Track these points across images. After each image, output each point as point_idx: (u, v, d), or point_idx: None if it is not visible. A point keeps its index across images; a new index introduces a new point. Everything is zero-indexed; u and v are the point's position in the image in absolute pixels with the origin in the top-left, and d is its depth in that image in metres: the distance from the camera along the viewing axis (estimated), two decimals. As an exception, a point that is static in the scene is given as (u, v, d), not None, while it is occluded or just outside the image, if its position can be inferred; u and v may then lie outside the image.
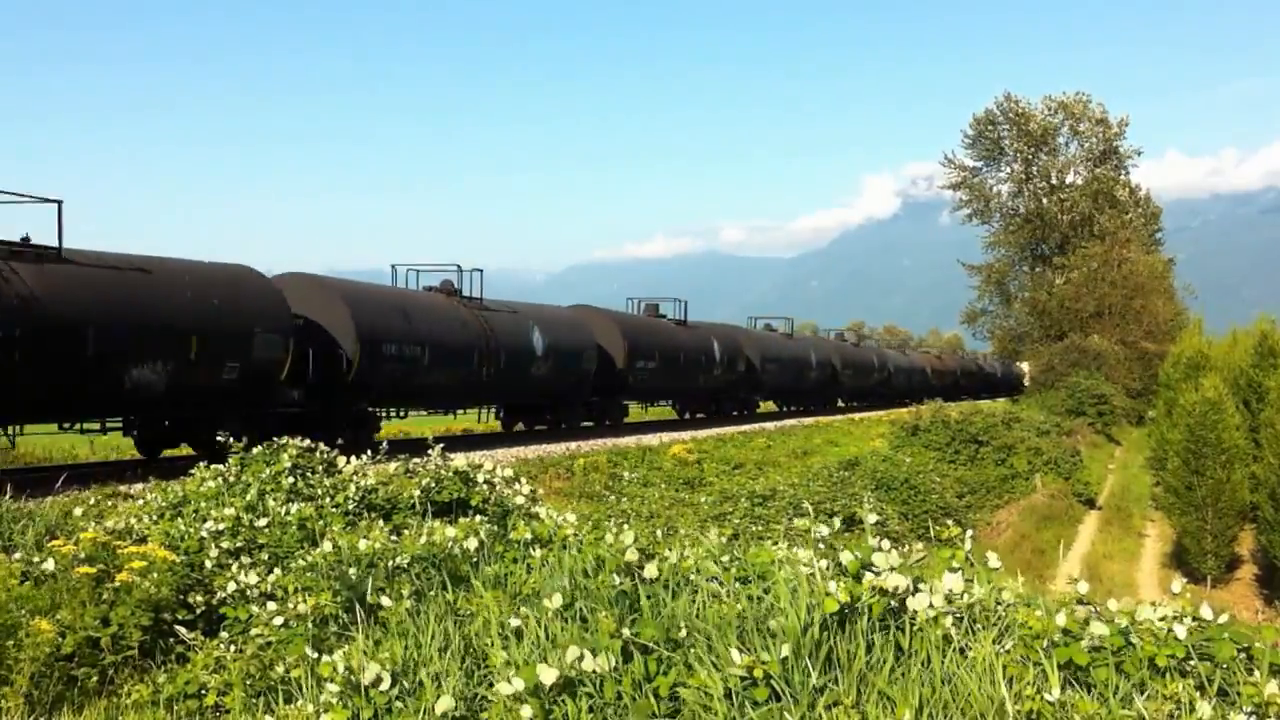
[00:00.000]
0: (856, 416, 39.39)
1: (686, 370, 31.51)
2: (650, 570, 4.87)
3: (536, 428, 26.96)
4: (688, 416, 35.22)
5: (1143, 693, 3.72)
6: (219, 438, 10.08)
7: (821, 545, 4.88)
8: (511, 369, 23.42)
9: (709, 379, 33.29)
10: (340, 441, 17.38)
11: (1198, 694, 3.67)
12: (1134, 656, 3.82)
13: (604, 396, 28.15)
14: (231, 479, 8.27)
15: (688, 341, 31.93)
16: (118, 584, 5.70)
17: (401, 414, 23.47)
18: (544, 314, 26.05)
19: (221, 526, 6.96)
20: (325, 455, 8.67)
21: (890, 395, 52.95)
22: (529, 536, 6.11)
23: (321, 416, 18.73)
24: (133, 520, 7.53)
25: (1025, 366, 76.92)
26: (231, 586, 6.04)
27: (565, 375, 25.45)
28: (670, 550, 5.35)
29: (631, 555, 5.00)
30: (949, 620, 4.10)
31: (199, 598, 6.04)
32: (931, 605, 4.08)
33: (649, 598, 4.71)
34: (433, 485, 7.91)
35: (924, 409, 30.31)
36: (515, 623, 4.61)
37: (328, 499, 7.67)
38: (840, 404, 49.93)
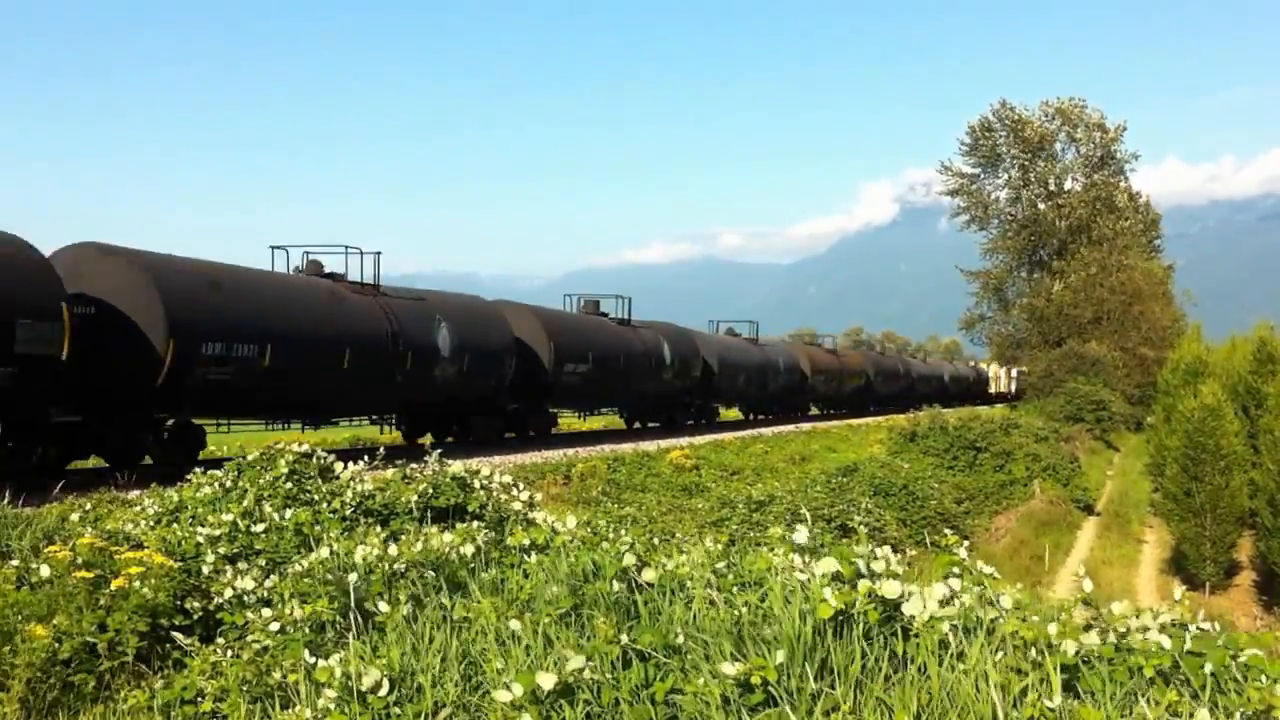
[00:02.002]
0: (855, 422, 39.51)
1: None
2: (648, 576, 4.85)
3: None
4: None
5: (1139, 701, 3.71)
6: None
7: (806, 552, 4.86)
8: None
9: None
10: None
11: (1193, 702, 3.66)
12: (1125, 664, 3.81)
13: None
14: (229, 485, 8.25)
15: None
16: (114, 589, 5.68)
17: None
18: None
19: (218, 532, 6.94)
20: (321, 460, 8.65)
21: (702, 406, 34.79)
22: (526, 542, 6.10)
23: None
24: (129, 526, 7.52)
25: (997, 371, 73.98)
26: (228, 592, 6.02)
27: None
28: (667, 556, 5.33)
29: (629, 560, 4.98)
30: (946, 626, 4.09)
31: (196, 603, 6.02)
32: (924, 607, 4.07)
33: (646, 604, 4.70)
34: (430, 491, 7.89)
35: (922, 415, 30.43)
36: (513, 627, 4.60)
37: (325, 504, 7.66)
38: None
